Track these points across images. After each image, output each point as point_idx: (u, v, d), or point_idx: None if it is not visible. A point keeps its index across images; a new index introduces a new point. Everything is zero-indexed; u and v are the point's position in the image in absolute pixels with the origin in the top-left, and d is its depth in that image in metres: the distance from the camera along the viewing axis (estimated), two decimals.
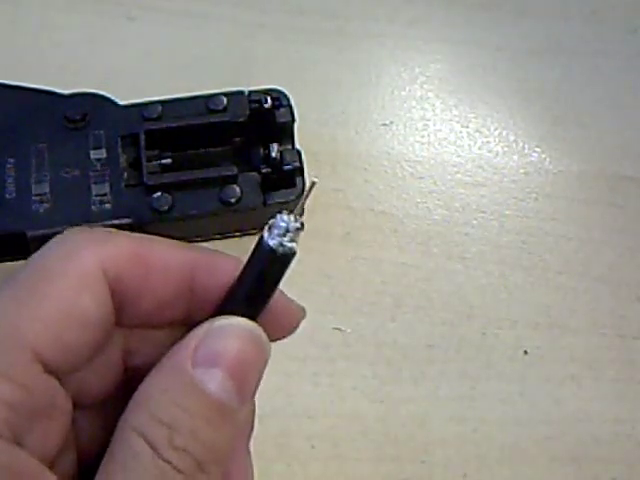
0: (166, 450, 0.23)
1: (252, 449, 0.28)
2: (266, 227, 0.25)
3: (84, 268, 0.25)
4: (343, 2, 0.50)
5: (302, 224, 0.25)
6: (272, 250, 0.25)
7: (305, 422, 0.38)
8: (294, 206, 0.40)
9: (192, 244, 0.28)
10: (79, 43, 0.48)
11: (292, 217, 0.25)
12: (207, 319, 0.25)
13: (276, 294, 0.26)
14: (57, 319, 0.24)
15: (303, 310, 0.28)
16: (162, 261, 0.26)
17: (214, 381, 0.24)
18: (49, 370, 0.24)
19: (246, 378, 0.25)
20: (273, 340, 0.27)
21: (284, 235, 0.25)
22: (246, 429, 0.28)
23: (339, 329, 0.40)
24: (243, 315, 0.25)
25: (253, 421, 0.28)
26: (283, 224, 0.25)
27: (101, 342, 0.25)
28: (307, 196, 0.25)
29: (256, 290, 0.26)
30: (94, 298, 0.25)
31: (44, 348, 0.24)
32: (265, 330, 0.26)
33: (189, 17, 0.49)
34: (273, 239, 0.25)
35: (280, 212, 0.25)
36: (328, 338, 0.40)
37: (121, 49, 0.48)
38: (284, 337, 0.28)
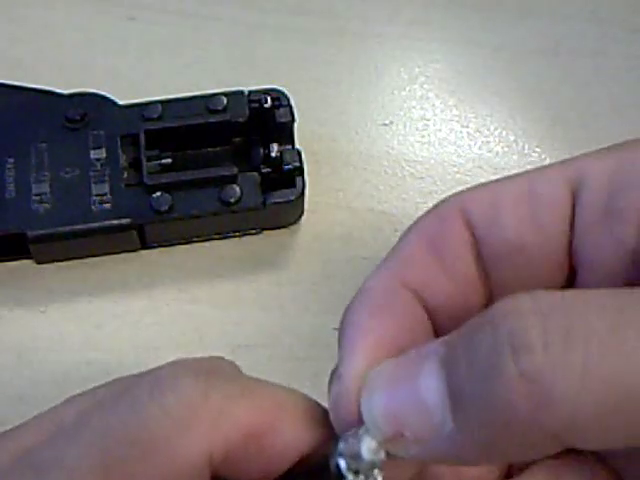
0: None
1: None
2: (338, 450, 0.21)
3: (189, 457, 0.21)
4: (343, 2, 0.50)
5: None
6: None
7: None
8: (294, 206, 0.41)
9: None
10: (79, 43, 0.48)
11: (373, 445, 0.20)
12: None
13: None
14: None
15: None
16: (281, 446, 0.22)
17: None
18: None
19: None
20: None
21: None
22: None
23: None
24: None
25: None
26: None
27: None
28: None
29: None
30: None
31: None
32: None
33: (189, 17, 0.49)
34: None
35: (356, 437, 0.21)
36: (328, 338, 0.40)
37: (121, 49, 0.48)
38: None
